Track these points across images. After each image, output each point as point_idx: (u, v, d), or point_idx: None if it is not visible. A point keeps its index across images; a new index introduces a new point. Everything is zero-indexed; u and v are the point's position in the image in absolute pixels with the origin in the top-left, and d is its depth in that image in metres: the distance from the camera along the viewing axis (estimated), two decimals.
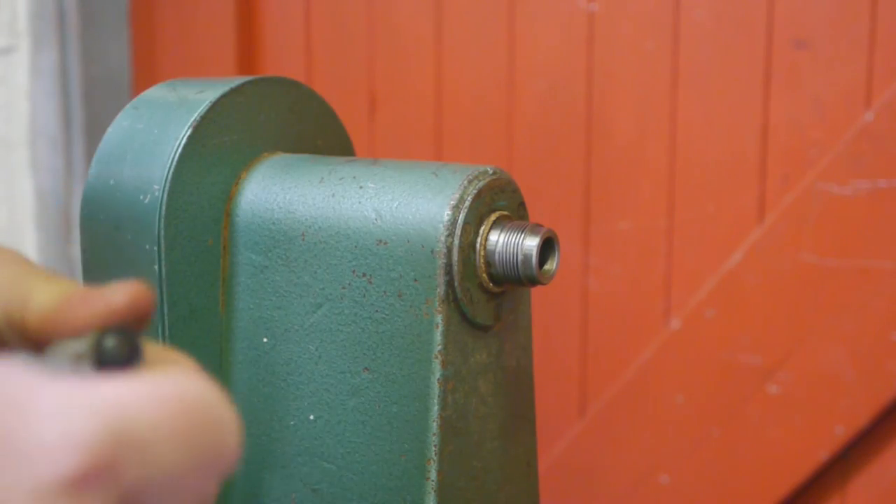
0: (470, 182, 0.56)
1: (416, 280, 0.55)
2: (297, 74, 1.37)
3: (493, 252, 0.56)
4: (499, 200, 0.57)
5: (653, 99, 1.16)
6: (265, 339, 0.60)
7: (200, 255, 0.60)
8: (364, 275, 0.57)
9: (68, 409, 0.24)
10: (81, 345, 0.29)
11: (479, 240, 0.56)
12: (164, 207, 0.57)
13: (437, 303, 0.54)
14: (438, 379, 0.55)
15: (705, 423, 1.16)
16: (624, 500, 1.22)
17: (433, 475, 0.55)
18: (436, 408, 0.55)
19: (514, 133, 1.24)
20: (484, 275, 0.56)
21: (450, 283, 0.54)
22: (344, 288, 0.57)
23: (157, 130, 0.59)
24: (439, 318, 0.54)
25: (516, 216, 0.58)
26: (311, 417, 0.59)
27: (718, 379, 1.15)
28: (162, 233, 0.57)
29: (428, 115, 1.29)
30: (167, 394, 0.26)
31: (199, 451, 0.26)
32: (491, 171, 0.57)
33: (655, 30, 1.15)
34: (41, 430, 0.23)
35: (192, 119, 0.58)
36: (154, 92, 0.62)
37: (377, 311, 0.56)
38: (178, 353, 0.32)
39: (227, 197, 0.61)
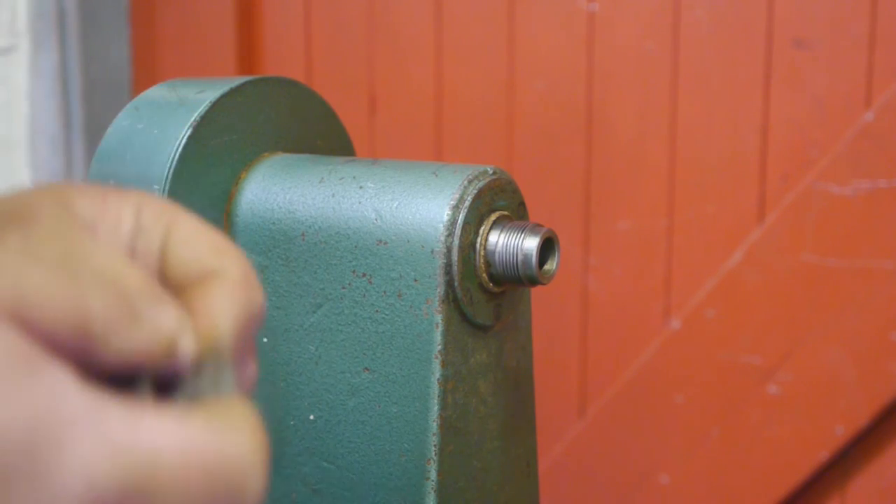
0: (470, 182, 0.56)
1: (416, 280, 0.55)
2: (297, 74, 1.37)
3: (493, 252, 0.56)
4: (499, 200, 0.57)
5: (653, 99, 1.16)
6: (265, 339, 0.60)
7: None
8: (364, 275, 0.57)
9: (97, 450, 0.24)
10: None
11: (479, 240, 0.56)
12: None
13: (437, 303, 0.54)
14: (438, 379, 0.55)
15: (705, 423, 1.16)
16: (624, 500, 1.22)
17: (433, 475, 0.55)
18: (436, 408, 0.55)
19: (514, 133, 1.24)
20: (484, 275, 0.56)
21: (450, 283, 0.54)
22: (344, 288, 0.57)
23: (157, 130, 0.59)
24: (439, 318, 0.54)
25: (516, 216, 0.58)
26: (311, 417, 0.59)
27: (718, 379, 1.15)
28: None
29: (428, 115, 1.29)
30: (201, 448, 0.26)
31: None
32: (491, 171, 0.57)
33: (655, 30, 1.15)
34: (64, 468, 0.24)
35: (192, 119, 0.58)
36: (154, 92, 0.62)
37: (377, 311, 0.56)
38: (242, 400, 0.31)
39: (227, 197, 0.61)
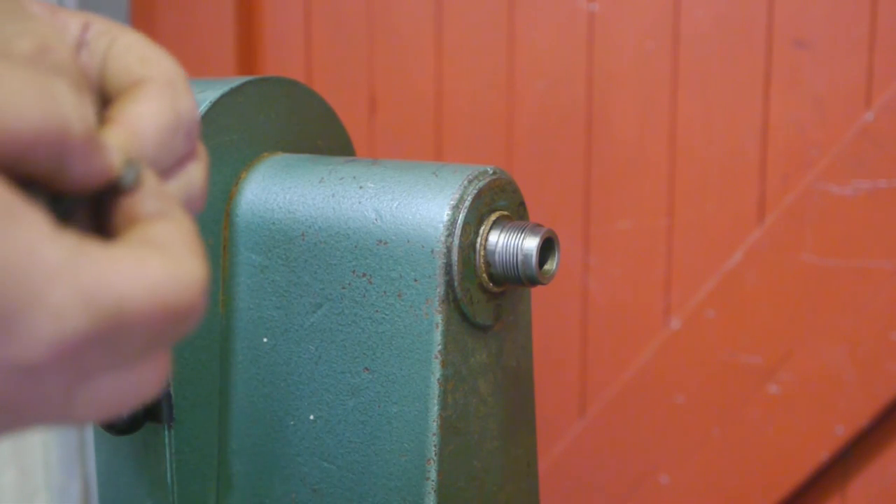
0: (470, 182, 0.56)
1: (416, 280, 0.55)
2: (297, 74, 1.37)
3: (493, 252, 0.56)
4: (499, 200, 0.57)
5: (653, 99, 1.16)
6: (265, 339, 0.60)
7: None
8: (364, 275, 0.57)
9: (71, 300, 0.24)
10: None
11: (479, 240, 0.56)
12: None
13: (437, 303, 0.54)
14: (438, 379, 0.55)
15: (705, 423, 1.16)
16: (624, 500, 1.22)
17: (433, 475, 0.55)
18: (436, 408, 0.55)
19: (513, 133, 1.24)
20: (484, 275, 0.56)
21: (450, 284, 0.54)
22: (344, 288, 0.57)
23: None
24: (439, 318, 0.54)
25: (516, 216, 0.58)
26: (311, 417, 0.59)
27: (718, 379, 1.15)
28: None
29: (428, 115, 1.29)
30: (161, 289, 0.26)
31: (168, 337, 0.27)
32: (491, 171, 0.57)
33: (655, 30, 1.15)
34: (33, 317, 0.24)
35: None
36: None
37: (377, 311, 0.56)
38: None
39: (227, 197, 0.61)
